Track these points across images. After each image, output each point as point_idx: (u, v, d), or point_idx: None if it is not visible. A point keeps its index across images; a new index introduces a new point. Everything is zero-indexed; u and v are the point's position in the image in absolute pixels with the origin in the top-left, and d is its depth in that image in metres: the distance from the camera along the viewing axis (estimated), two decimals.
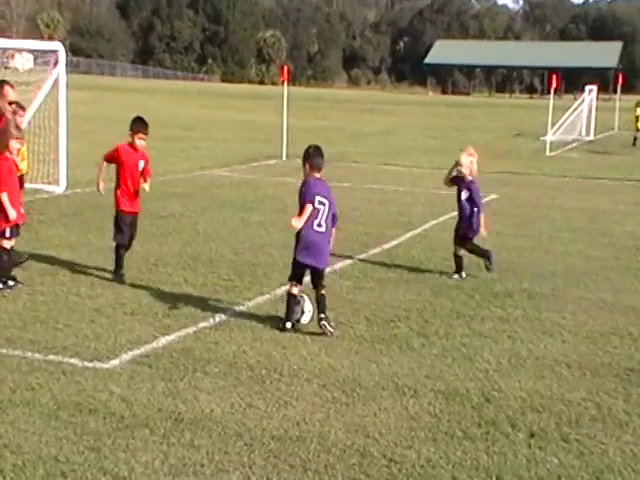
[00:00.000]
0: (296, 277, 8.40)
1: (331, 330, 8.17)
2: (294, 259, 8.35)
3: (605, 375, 7.37)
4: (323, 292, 8.30)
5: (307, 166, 8.42)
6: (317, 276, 8.38)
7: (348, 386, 6.87)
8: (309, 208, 8.15)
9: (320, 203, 8.27)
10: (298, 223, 8.10)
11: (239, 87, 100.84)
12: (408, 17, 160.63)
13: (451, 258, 11.07)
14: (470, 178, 10.85)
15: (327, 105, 61.18)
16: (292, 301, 8.38)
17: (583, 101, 37.80)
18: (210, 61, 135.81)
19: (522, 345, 8.10)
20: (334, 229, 8.47)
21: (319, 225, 8.27)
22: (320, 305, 8.26)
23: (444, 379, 7.12)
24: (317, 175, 8.45)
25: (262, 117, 42.58)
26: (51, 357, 7.19)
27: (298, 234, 8.28)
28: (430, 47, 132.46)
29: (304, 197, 8.24)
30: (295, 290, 8.39)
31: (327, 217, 8.30)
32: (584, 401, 6.75)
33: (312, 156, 8.45)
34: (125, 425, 5.94)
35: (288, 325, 8.32)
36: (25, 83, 16.14)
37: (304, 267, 8.34)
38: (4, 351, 7.31)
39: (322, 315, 8.20)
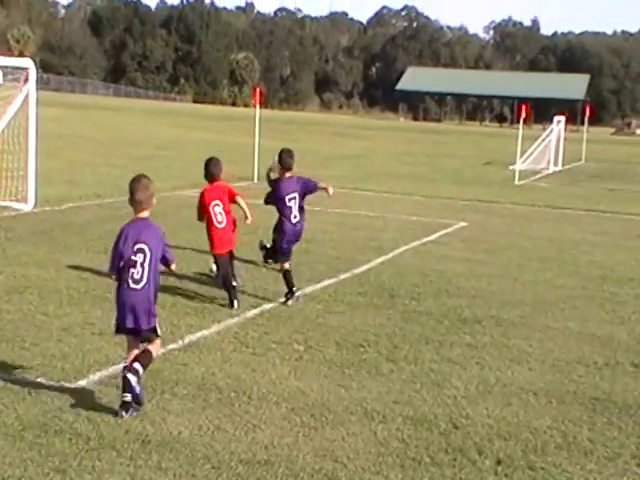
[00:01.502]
0: (285, 257, 10.29)
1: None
2: (279, 247, 10.33)
3: (571, 403, 7.43)
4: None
5: (279, 167, 10.25)
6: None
7: (317, 410, 6.86)
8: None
9: (291, 200, 10.16)
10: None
11: (211, 108, 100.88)
12: (381, 43, 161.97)
13: (422, 283, 11.11)
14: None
15: (299, 128, 61.38)
16: (289, 274, 10.22)
17: (552, 131, 38.27)
18: (182, 81, 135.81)
19: (490, 372, 8.15)
20: (322, 183, 10.74)
21: (294, 217, 10.24)
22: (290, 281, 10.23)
23: (412, 405, 7.14)
24: (287, 175, 10.26)
25: (234, 138, 42.59)
26: (17, 377, 7.12)
27: (278, 227, 10.28)
28: (402, 73, 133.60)
29: (277, 201, 10.18)
30: (287, 265, 10.27)
31: (298, 208, 10.26)
32: (550, 429, 6.80)
33: (281, 158, 10.25)
34: (92, 447, 5.89)
35: (300, 293, 10.36)
36: None
37: (288, 251, 10.31)
38: None
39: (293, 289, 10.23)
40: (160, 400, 6.83)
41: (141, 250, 6.53)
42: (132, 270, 6.52)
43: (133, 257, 6.51)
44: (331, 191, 10.81)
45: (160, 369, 7.54)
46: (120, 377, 6.56)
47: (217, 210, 10.15)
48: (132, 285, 6.52)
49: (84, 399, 6.72)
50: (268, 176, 11.52)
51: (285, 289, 10.27)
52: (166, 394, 6.97)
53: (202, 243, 13.77)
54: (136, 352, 6.61)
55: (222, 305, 9.93)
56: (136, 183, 6.67)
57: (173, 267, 7.02)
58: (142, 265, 6.52)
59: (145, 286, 6.55)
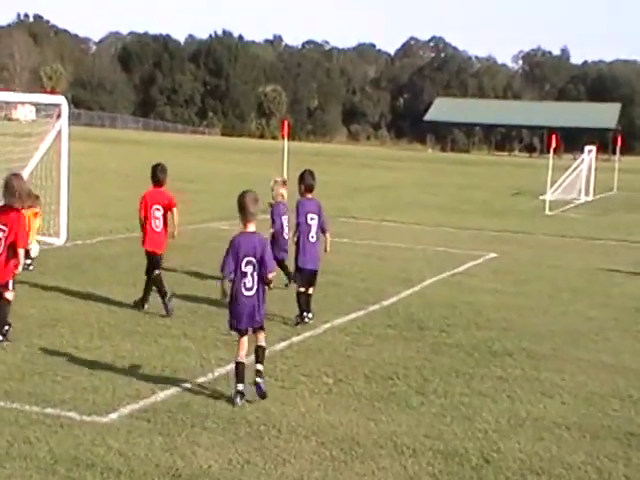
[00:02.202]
0: (300, 281, 10.59)
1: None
2: (296, 267, 10.61)
3: (605, 438, 7.33)
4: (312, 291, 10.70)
5: (301, 187, 10.67)
6: (313, 276, 10.67)
7: (346, 444, 6.83)
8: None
9: (312, 219, 10.60)
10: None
11: (239, 141, 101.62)
12: (408, 73, 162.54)
13: (451, 315, 11.03)
14: (280, 200, 12.79)
15: (326, 159, 61.58)
16: (303, 298, 10.53)
17: (582, 161, 38.08)
18: (211, 114, 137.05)
19: (521, 405, 8.07)
20: (328, 234, 10.88)
21: (312, 237, 10.60)
22: (306, 305, 10.62)
23: (443, 438, 7.08)
24: (309, 195, 10.73)
25: (262, 171, 42.81)
26: (49, 410, 7.16)
27: (297, 246, 10.55)
28: (430, 104, 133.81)
29: (297, 216, 10.56)
30: (302, 289, 10.54)
31: (317, 229, 10.63)
32: (584, 465, 6.71)
33: (304, 178, 10.70)
34: None
35: (310, 315, 10.59)
36: (27, 135, 16.30)
37: (305, 271, 10.57)
38: (2, 404, 7.27)
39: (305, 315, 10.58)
40: (190, 434, 6.84)
41: (250, 262, 7.58)
42: (244, 280, 7.60)
43: (244, 269, 7.57)
44: (327, 249, 11.17)
45: (190, 402, 7.56)
46: (233, 367, 7.73)
47: (157, 214, 10.82)
48: (245, 293, 7.63)
49: (115, 432, 6.75)
50: (270, 204, 12.80)
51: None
52: (196, 427, 6.98)
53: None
54: (246, 346, 7.71)
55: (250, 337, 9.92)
56: (245, 197, 7.66)
57: (270, 276, 7.75)
58: (252, 275, 7.61)
59: (256, 292, 7.67)
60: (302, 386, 8.26)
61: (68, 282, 12.49)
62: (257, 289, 7.64)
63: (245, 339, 7.75)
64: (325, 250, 11.01)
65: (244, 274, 7.56)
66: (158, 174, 11.00)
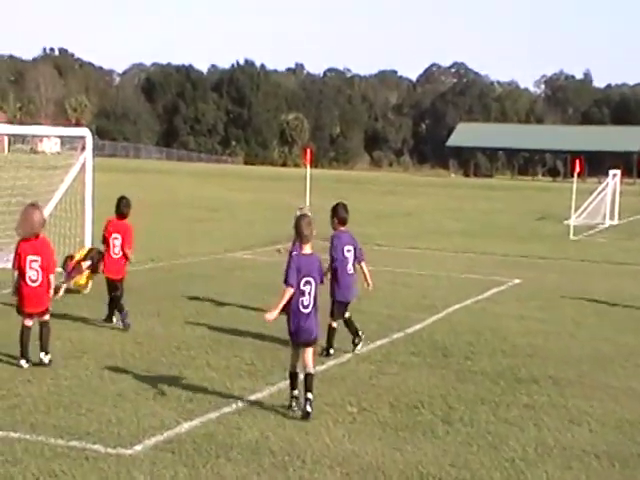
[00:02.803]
0: (339, 314, 10.60)
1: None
2: (335, 300, 10.54)
3: (635, 467, 7.23)
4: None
5: (335, 220, 10.71)
6: (346, 306, 10.76)
7: (372, 474, 6.78)
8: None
9: (348, 251, 10.62)
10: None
11: (262, 169, 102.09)
12: (430, 99, 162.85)
13: (476, 342, 10.94)
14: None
15: (349, 186, 61.67)
16: (333, 333, 10.51)
17: (607, 185, 37.85)
18: (233, 143, 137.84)
19: (549, 433, 7.98)
20: (363, 263, 10.81)
21: (350, 269, 10.66)
22: (353, 326, 10.77)
23: (469, 468, 7.01)
24: (342, 228, 10.75)
25: (284, 199, 42.97)
26: (74, 443, 7.17)
27: (334, 280, 10.52)
28: (452, 129, 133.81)
29: (334, 250, 10.57)
30: (335, 324, 10.52)
31: (354, 261, 10.69)
32: None
33: (337, 211, 10.71)
34: None
35: (332, 351, 10.47)
36: (53, 167, 16.46)
37: (344, 304, 10.63)
38: (27, 437, 7.29)
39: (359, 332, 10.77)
40: (215, 465, 6.82)
41: (308, 282, 8.26)
42: (302, 298, 8.24)
43: (302, 287, 8.22)
44: (370, 287, 10.95)
45: (214, 433, 7.54)
46: (303, 379, 8.26)
47: (116, 243, 11.78)
48: (302, 310, 8.26)
49: (140, 464, 6.74)
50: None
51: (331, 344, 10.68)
52: (221, 458, 6.96)
53: (255, 304, 13.82)
54: (299, 359, 8.35)
55: (274, 367, 9.92)
56: (300, 221, 8.41)
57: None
58: (309, 293, 8.29)
59: (312, 310, 8.33)
60: (326, 415, 8.23)
61: (93, 313, 12.54)
62: (313, 306, 8.32)
63: (299, 352, 8.38)
64: (367, 284, 10.89)
65: (302, 292, 8.25)
66: (122, 208, 11.95)
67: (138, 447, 7.13)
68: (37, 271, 9.51)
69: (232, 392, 8.84)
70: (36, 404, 8.18)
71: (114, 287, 11.85)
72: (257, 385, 9.18)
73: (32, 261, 9.51)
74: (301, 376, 8.37)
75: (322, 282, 8.59)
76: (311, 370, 8.32)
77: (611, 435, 8.02)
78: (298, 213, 12.22)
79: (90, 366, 9.63)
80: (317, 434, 7.67)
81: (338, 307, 10.69)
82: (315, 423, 8.00)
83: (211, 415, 8.06)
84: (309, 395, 8.16)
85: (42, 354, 9.53)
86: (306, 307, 8.28)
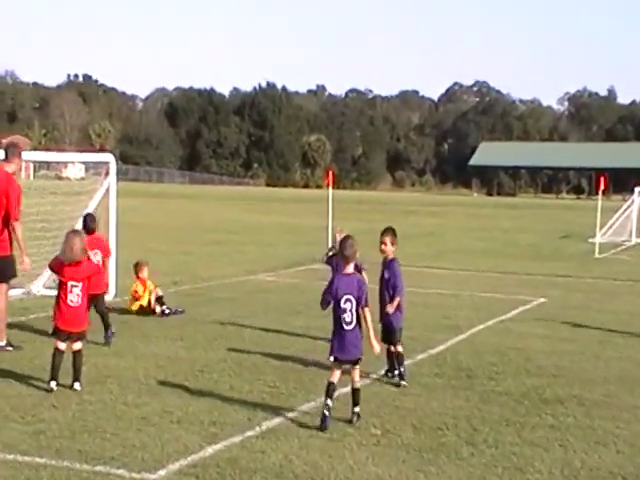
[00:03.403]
0: (400, 339, 10.66)
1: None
2: (399, 328, 10.67)
3: None
4: None
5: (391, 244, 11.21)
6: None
7: None
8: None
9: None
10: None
11: (284, 191, 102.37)
12: (452, 119, 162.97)
13: (500, 363, 10.85)
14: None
15: (371, 207, 61.71)
16: (402, 357, 10.51)
17: (633, 202, 37.58)
18: (256, 165, 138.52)
19: (575, 455, 7.90)
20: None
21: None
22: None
23: None
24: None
25: (307, 220, 43.02)
26: (99, 468, 7.18)
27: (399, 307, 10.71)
28: (474, 148, 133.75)
29: (400, 280, 11.14)
30: (400, 348, 10.57)
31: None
32: None
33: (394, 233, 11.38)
34: None
35: (397, 373, 10.46)
36: (77, 193, 16.61)
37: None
38: (53, 462, 7.31)
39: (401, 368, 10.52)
40: None
41: (349, 300, 8.49)
42: (343, 315, 8.50)
43: (343, 305, 8.47)
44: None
45: (237, 457, 7.53)
46: (350, 392, 8.71)
47: (96, 258, 11.96)
48: (345, 327, 8.51)
49: None
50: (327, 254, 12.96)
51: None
52: None
53: (277, 326, 13.83)
54: (339, 376, 8.55)
55: (297, 390, 9.90)
56: (343, 242, 8.75)
57: (366, 309, 8.59)
58: (350, 311, 8.50)
59: (354, 327, 8.53)
60: (350, 438, 8.19)
61: (116, 337, 12.59)
62: (355, 324, 8.53)
63: (339, 371, 8.59)
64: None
65: (344, 310, 8.50)
66: (89, 223, 12.52)
67: (162, 472, 7.14)
68: (78, 295, 9.81)
69: (255, 415, 8.83)
70: (61, 429, 8.21)
71: (97, 302, 12.08)
72: (280, 408, 9.16)
73: (73, 286, 9.79)
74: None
75: (367, 305, 8.58)
76: (357, 385, 8.68)
77: (639, 456, 7.93)
78: (338, 236, 11.89)
79: (114, 391, 9.67)
80: (341, 457, 7.65)
81: (400, 332, 10.72)
82: (339, 445, 7.97)
83: (235, 439, 8.05)
84: (356, 409, 8.60)
85: (76, 384, 9.67)
86: (348, 324, 8.52)
